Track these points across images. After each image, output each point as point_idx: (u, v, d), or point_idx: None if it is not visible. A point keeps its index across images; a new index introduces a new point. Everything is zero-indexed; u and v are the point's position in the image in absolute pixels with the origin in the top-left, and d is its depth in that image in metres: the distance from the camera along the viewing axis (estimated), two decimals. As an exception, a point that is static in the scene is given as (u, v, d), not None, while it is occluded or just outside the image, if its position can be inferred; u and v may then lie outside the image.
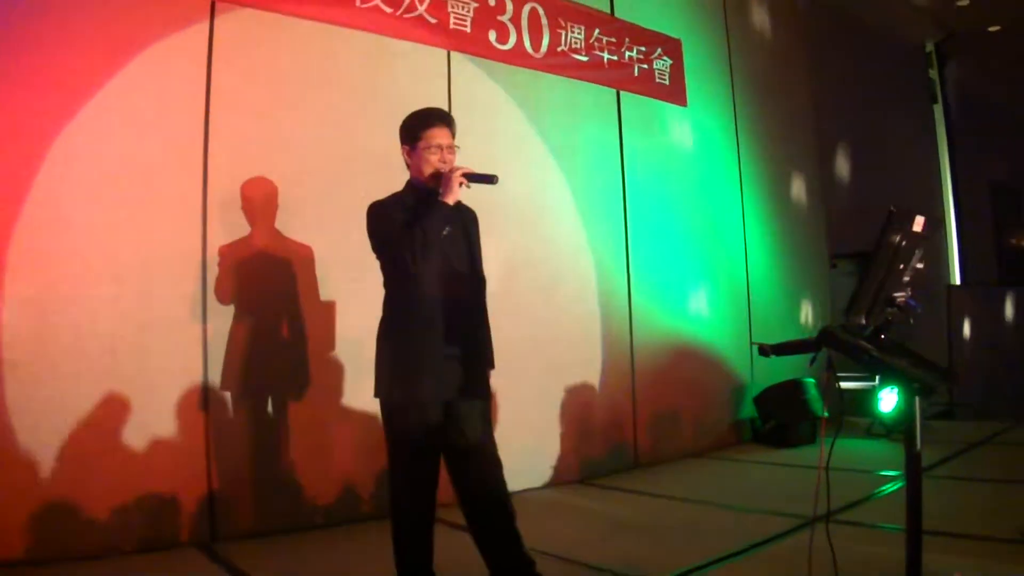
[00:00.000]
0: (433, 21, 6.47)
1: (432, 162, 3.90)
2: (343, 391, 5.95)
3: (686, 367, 8.48)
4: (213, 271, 5.41)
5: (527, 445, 6.62)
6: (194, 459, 5.29)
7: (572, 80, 7.56)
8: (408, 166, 4.06)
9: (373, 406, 5.95)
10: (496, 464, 4.03)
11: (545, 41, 7.26)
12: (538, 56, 7.21)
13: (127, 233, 5.14)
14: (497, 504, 3.98)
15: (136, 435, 5.09)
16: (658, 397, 8.12)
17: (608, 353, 7.64)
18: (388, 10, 6.22)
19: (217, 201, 5.45)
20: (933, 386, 2.79)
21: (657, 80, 8.42)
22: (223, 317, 5.45)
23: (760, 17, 10.25)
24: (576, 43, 7.54)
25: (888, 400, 8.71)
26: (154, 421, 5.16)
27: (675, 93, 8.63)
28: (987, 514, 5.10)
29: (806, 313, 10.28)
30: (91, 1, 5.12)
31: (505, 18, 6.96)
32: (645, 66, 8.27)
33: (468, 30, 6.69)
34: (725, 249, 9.25)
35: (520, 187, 6.81)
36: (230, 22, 5.58)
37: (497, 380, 4.38)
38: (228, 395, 5.46)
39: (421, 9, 6.39)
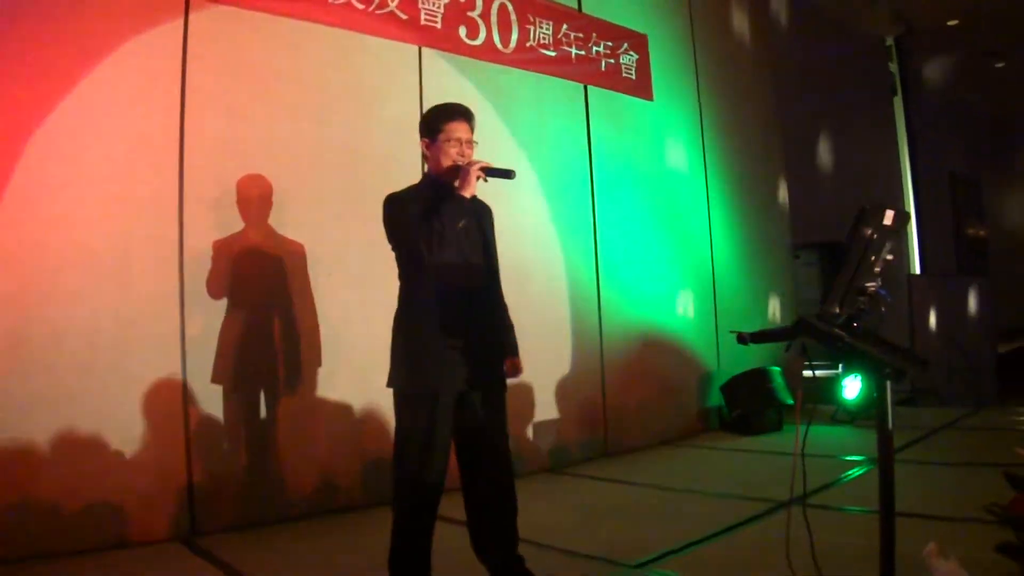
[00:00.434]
0: (404, 17, 6.56)
1: (451, 155, 3.93)
2: (322, 384, 6.01)
3: (654, 357, 8.61)
4: (190, 265, 5.44)
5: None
6: (174, 453, 5.31)
7: (541, 75, 7.66)
8: (427, 159, 4.09)
9: (351, 398, 6.09)
10: (507, 459, 4.09)
11: (514, 37, 7.37)
12: (507, 51, 7.32)
13: (104, 228, 5.16)
14: (505, 499, 4.04)
15: (115, 429, 5.10)
16: (627, 387, 8.24)
17: (577, 344, 7.76)
18: (360, 6, 6.30)
19: (193, 196, 5.48)
20: (905, 370, 2.92)
21: (624, 74, 8.55)
22: (201, 311, 5.48)
23: (724, 13, 10.41)
24: (544, 38, 7.65)
25: (851, 387, 8.89)
26: (133, 415, 5.17)
27: (641, 87, 8.77)
28: (952, 495, 5.25)
29: (770, 302, 10.44)
30: (66, -1, 5.14)
31: (475, 14, 7.06)
32: (612, 61, 8.40)
33: (439, 26, 6.78)
34: (691, 241, 9.39)
35: (490, 180, 6.88)
36: (204, 19, 5.62)
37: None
38: (207, 389, 5.48)
39: (392, 6, 6.47)
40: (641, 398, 8.42)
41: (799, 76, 12.92)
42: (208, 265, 5.54)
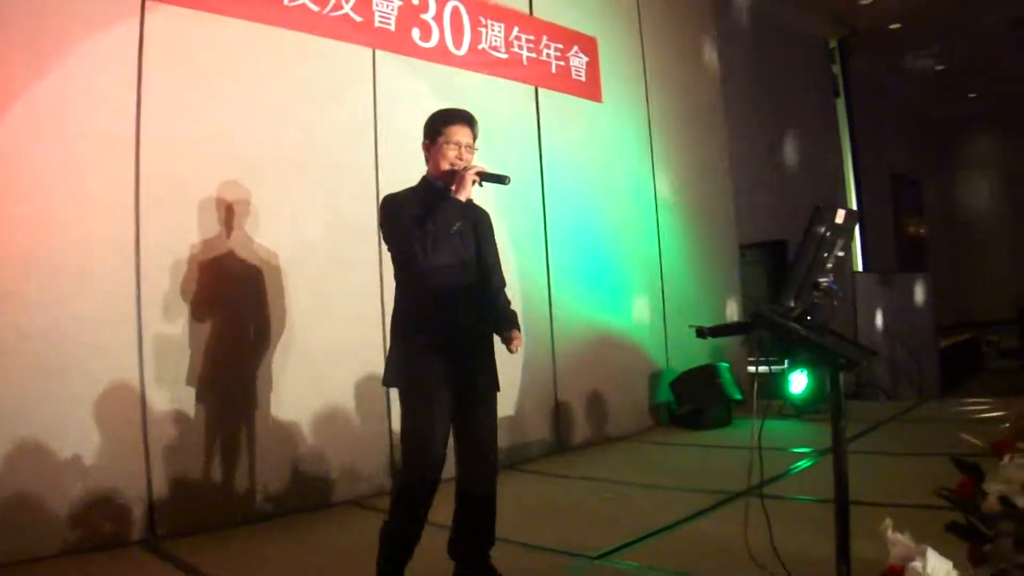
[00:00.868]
0: (358, 19, 6.61)
1: (450, 157, 3.99)
2: (280, 386, 6.01)
3: (605, 355, 8.71)
4: (147, 266, 5.42)
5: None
6: (133, 455, 5.29)
7: (492, 76, 7.74)
8: (427, 160, 4.12)
9: (310, 400, 6.11)
10: (495, 458, 4.15)
11: (466, 39, 7.44)
12: (460, 54, 7.39)
13: (61, 230, 5.12)
14: (489, 498, 4.10)
15: (74, 432, 5.07)
16: (578, 384, 8.34)
17: (529, 343, 7.77)
18: (315, 8, 6.34)
19: (149, 197, 5.46)
20: (857, 360, 3.05)
21: (574, 77, 8.65)
22: (158, 312, 5.47)
23: (672, 16, 10.50)
24: (496, 41, 7.74)
25: (798, 382, 9.04)
26: (92, 418, 5.14)
27: (591, 89, 8.88)
28: (900, 483, 5.38)
29: (717, 300, 10.57)
30: (20, -1, 5.12)
31: (428, 16, 7.12)
32: (562, 63, 8.50)
33: (392, 28, 6.84)
34: (640, 240, 9.51)
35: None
36: (160, 20, 5.60)
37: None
38: (165, 391, 5.47)
39: (347, 8, 6.52)
40: (592, 395, 8.52)
41: (745, 78, 13.10)
42: (165, 264, 5.53)
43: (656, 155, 9.82)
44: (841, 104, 17.69)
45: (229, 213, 5.85)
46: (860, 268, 17.13)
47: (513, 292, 7.57)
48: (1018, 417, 4.08)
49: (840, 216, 3.07)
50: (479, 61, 7.59)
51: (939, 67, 20.84)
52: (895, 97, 21.96)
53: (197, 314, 5.67)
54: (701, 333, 3.27)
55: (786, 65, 15.22)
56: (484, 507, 4.09)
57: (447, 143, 4.00)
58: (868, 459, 6.61)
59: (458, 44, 7.38)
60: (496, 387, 4.14)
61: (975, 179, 25.68)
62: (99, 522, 5.12)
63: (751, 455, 3.23)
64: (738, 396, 9.00)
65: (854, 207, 17.38)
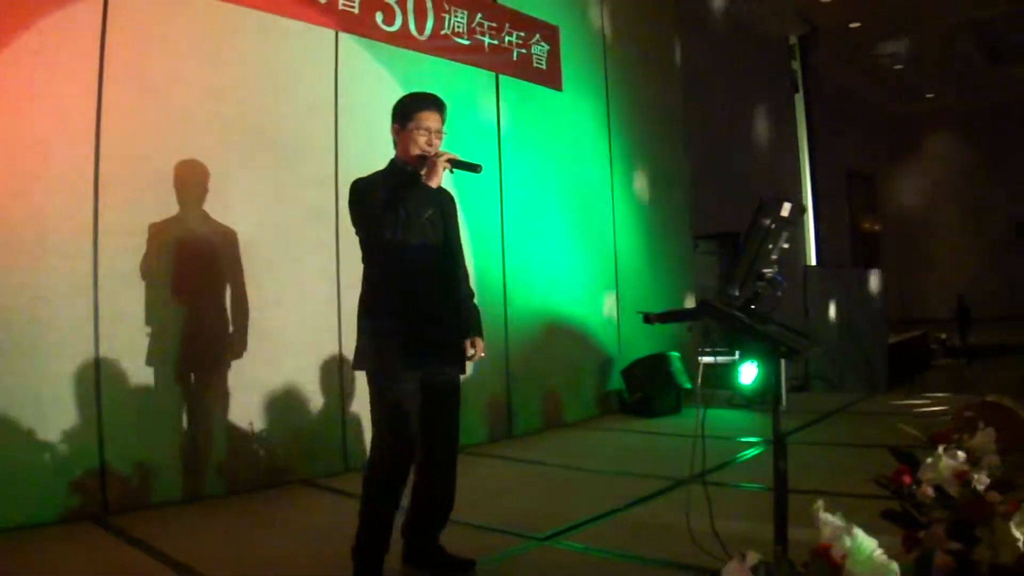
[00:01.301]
0: (322, 1, 6.62)
1: (420, 143, 3.99)
2: (236, 363, 6.03)
3: (557, 342, 8.79)
4: (105, 242, 5.40)
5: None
6: (87, 431, 5.28)
7: (454, 62, 7.76)
8: (395, 144, 4.13)
9: (266, 377, 6.14)
10: (451, 440, 4.25)
11: (429, 24, 7.46)
12: (422, 38, 7.41)
13: (20, 204, 5.10)
14: (449, 480, 4.20)
15: (28, 407, 5.05)
16: (530, 370, 8.41)
17: (483, 328, 7.85)
18: (279, -11, 6.34)
19: (109, 176, 5.44)
20: (797, 349, 3.14)
21: (535, 65, 8.71)
22: (115, 289, 5.45)
23: (635, 7, 10.58)
24: (459, 27, 7.77)
25: (747, 373, 9.18)
26: (46, 393, 5.14)
27: (551, 78, 8.94)
28: (839, 473, 5.50)
29: (671, 289, 10.66)
30: (-18, -28, 5.06)
31: (392, 1, 7.14)
32: (524, 51, 8.55)
33: (356, 11, 6.85)
34: (595, 229, 9.59)
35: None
36: (123, -3, 5.58)
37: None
38: (121, 367, 5.46)
39: (311, -11, 6.54)
40: (545, 382, 8.60)
41: (705, 71, 13.19)
42: (123, 243, 5.51)
43: (614, 145, 9.91)
44: (799, 100, 17.84)
45: (187, 192, 5.84)
46: (814, 262, 17.30)
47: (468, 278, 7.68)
48: (960, 411, 4.21)
49: (785, 209, 3.16)
50: (441, 46, 7.61)
51: (897, 66, 21.08)
52: (853, 94, 22.19)
53: (154, 292, 5.67)
54: (648, 319, 3.35)
55: (746, 60, 15.33)
56: (445, 493, 4.18)
57: (417, 128, 4.00)
58: (812, 449, 6.75)
59: (421, 29, 7.40)
60: (463, 370, 4.25)
61: (929, 177, 26.00)
62: (52, 497, 5.12)
63: (694, 443, 3.30)
64: (688, 385, 9.12)
65: (809, 202, 17.57)
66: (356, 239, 4.05)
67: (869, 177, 23.95)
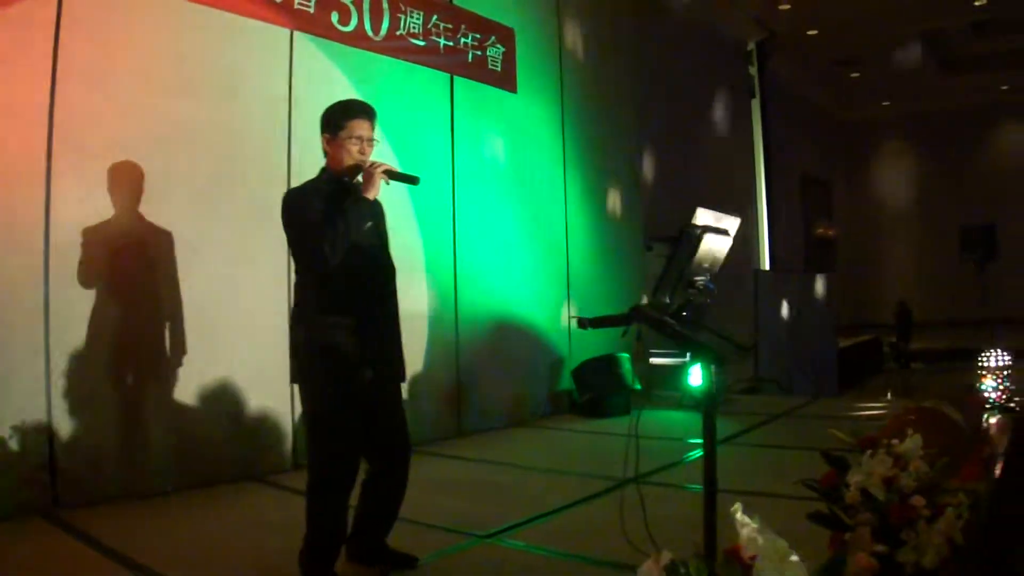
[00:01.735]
0: (278, 0, 6.63)
1: (352, 152, 3.96)
2: (187, 361, 6.02)
3: (508, 342, 8.86)
4: (56, 238, 5.38)
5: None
6: (36, 427, 5.26)
7: (409, 63, 7.79)
8: (326, 154, 4.08)
9: (217, 375, 6.14)
10: (408, 449, 4.25)
11: (385, 25, 7.49)
12: (377, 39, 7.44)
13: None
14: (400, 489, 4.20)
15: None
16: (481, 370, 8.47)
17: (434, 328, 7.94)
18: (234, -13, 6.34)
19: (62, 170, 5.42)
20: (725, 355, 3.22)
21: (490, 67, 8.76)
22: (66, 285, 5.44)
23: (591, 10, 10.65)
24: (414, 28, 7.80)
25: (696, 375, 9.26)
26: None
27: (506, 80, 9.00)
28: (776, 475, 5.57)
29: (622, 292, 10.71)
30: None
31: (348, 1, 7.17)
32: (479, 53, 8.60)
33: (311, 11, 6.86)
34: (548, 231, 9.65)
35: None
36: (79, -7, 5.56)
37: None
38: (71, 363, 5.44)
39: (267, -12, 6.54)
40: (495, 381, 8.65)
41: (661, 74, 13.28)
42: (75, 238, 5.49)
43: (568, 147, 9.98)
44: (756, 105, 17.99)
45: (139, 188, 5.82)
46: (767, 267, 17.45)
47: (420, 277, 7.72)
48: (896, 416, 4.30)
49: (716, 220, 3.25)
50: (396, 47, 7.64)
51: (854, 74, 21.32)
52: (809, 101, 22.41)
53: (104, 288, 5.65)
54: (583, 324, 3.43)
55: (703, 65, 15.45)
56: (394, 504, 4.20)
57: (349, 138, 3.97)
58: (755, 451, 6.86)
59: (376, 29, 7.43)
60: (403, 378, 4.25)
61: (883, 184, 26.32)
62: (1, 492, 5.09)
63: (627, 445, 3.37)
64: (638, 386, 9.21)
65: (763, 206, 17.72)
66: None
67: (824, 183, 24.20)
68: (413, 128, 7.79)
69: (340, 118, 4.03)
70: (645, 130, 12.04)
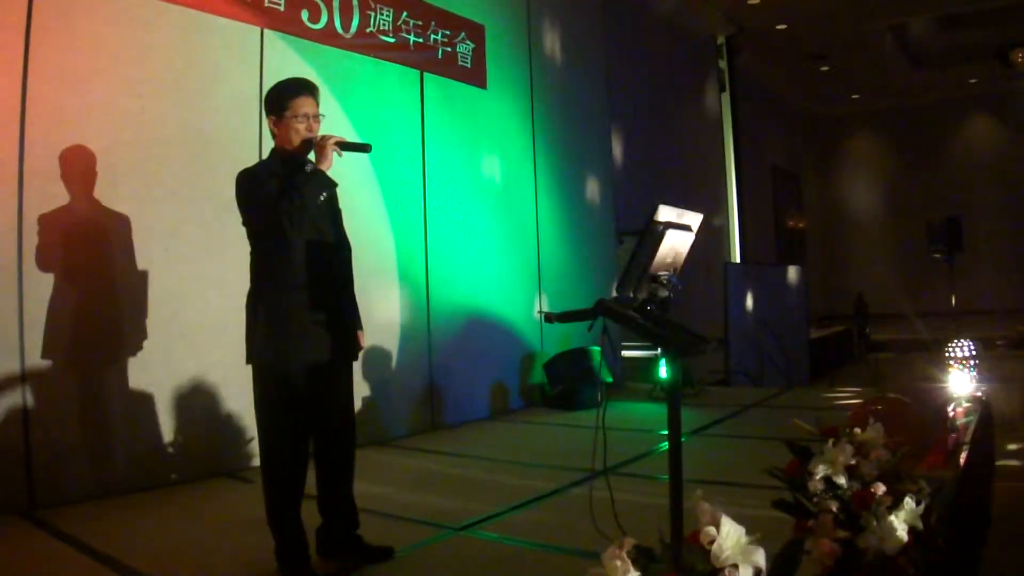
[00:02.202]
0: (248, -1, 6.64)
1: (300, 131, 3.96)
2: (159, 357, 6.02)
3: (480, 335, 8.92)
4: (30, 239, 5.39)
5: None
6: (12, 425, 5.26)
7: (379, 60, 7.83)
8: (274, 136, 4.09)
9: (189, 370, 6.16)
10: (351, 425, 4.23)
11: (355, 22, 7.52)
12: (348, 36, 7.47)
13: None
14: (347, 466, 4.18)
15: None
16: (453, 363, 8.52)
17: (406, 322, 7.99)
18: (205, -16, 6.35)
19: (34, 169, 5.42)
20: (687, 349, 3.29)
21: (460, 63, 8.81)
22: (40, 284, 5.44)
23: (560, 7, 10.72)
24: (384, 25, 7.84)
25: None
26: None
27: (476, 76, 9.05)
28: (744, 465, 5.65)
29: (594, 286, 10.80)
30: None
31: (318, -3, 7.20)
32: (449, 49, 8.65)
33: (282, 8, 6.89)
34: (519, 225, 9.73)
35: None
36: (49, -11, 5.55)
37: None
38: (44, 363, 5.44)
39: (236, -15, 6.55)
40: (467, 375, 8.71)
41: (631, 68, 13.35)
42: (47, 236, 5.48)
43: (538, 142, 10.04)
44: (726, 99, 18.07)
45: (110, 186, 5.82)
46: (738, 259, 17.56)
47: (391, 271, 7.75)
48: (860, 406, 4.39)
49: (680, 215, 3.31)
50: (367, 44, 7.68)
51: (823, 68, 21.45)
52: (779, 94, 22.53)
53: (78, 286, 5.66)
54: (549, 318, 3.50)
55: (673, 58, 15.53)
56: (343, 473, 4.18)
57: (295, 116, 3.97)
58: (724, 442, 6.96)
59: (347, 26, 7.46)
60: (356, 358, 4.24)
61: (852, 177, 26.51)
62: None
63: (595, 437, 3.43)
64: (609, 379, 9.28)
65: (734, 199, 17.83)
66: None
67: (794, 175, 24.34)
68: (384, 123, 7.82)
69: (283, 98, 4.02)
70: (616, 124, 12.10)
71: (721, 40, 17.88)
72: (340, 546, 4.17)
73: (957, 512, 3.86)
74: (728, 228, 17.60)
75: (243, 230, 4.17)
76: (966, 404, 6.48)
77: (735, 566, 2.00)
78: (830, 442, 3.10)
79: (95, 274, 5.82)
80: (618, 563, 1.96)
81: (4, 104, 5.35)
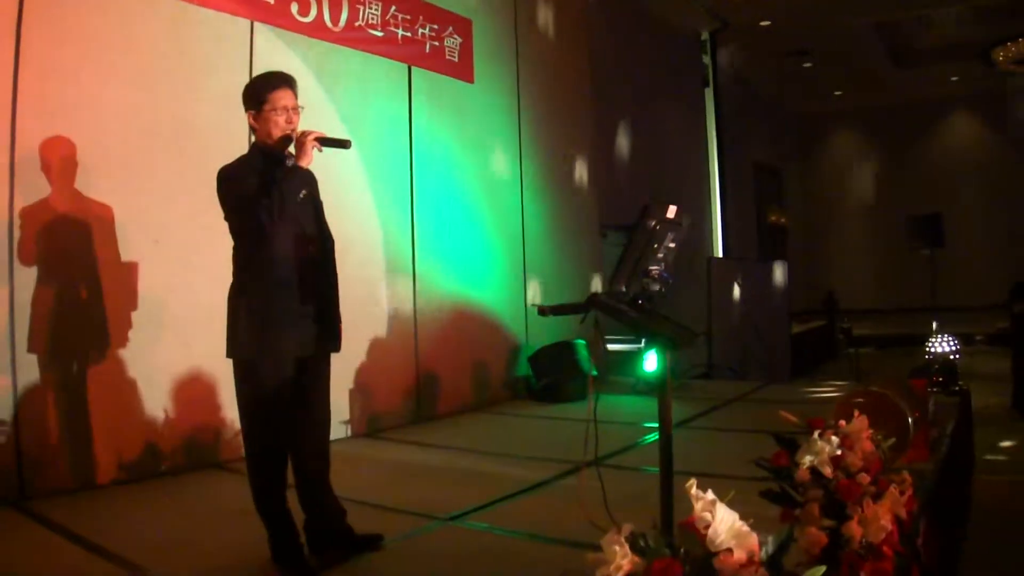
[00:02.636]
0: (237, -10, 6.64)
1: (280, 124, 3.93)
2: (147, 351, 6.04)
3: (466, 328, 8.97)
4: (20, 230, 5.40)
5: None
6: (3, 415, 5.26)
7: (367, 54, 7.85)
8: (254, 130, 4.05)
9: (176, 364, 6.16)
10: (328, 418, 4.25)
11: (344, 16, 7.54)
12: (336, 30, 7.49)
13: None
14: (323, 456, 4.18)
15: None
16: (439, 356, 8.56)
17: (393, 315, 8.03)
18: (195, -22, 6.35)
19: (24, 162, 5.42)
20: (677, 342, 3.34)
21: (447, 57, 8.84)
22: (29, 279, 5.45)
23: (546, 2, 10.76)
24: (373, 19, 7.86)
25: (652, 361, 9.40)
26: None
27: (463, 70, 9.09)
28: (730, 457, 5.71)
29: (579, 279, 10.89)
30: None
31: (306, -9, 7.21)
32: (436, 43, 8.68)
33: (271, 1, 6.90)
34: (505, 219, 9.77)
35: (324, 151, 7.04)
36: (40, -20, 5.54)
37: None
38: (35, 356, 5.44)
39: (226, -21, 6.55)
40: (453, 367, 8.76)
41: (616, 62, 13.38)
42: (38, 229, 5.50)
43: (524, 137, 10.08)
44: (709, 94, 18.11)
45: (100, 179, 5.84)
46: (720, 254, 17.61)
47: (378, 264, 7.78)
48: (845, 399, 4.45)
49: (671, 212, 3.37)
50: (355, 38, 7.69)
51: (806, 64, 21.51)
52: (762, 90, 22.58)
53: (69, 279, 5.68)
54: (542, 311, 3.54)
55: (658, 54, 15.56)
56: (323, 469, 4.19)
57: (273, 110, 3.94)
58: (708, 434, 7.03)
59: (335, 20, 7.48)
60: (338, 350, 4.23)
61: (834, 173, 26.63)
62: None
63: (587, 429, 3.47)
64: (594, 372, 9.33)
65: (717, 194, 17.88)
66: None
67: (776, 171, 24.41)
68: (372, 117, 7.86)
69: (261, 92, 4.00)
70: (600, 118, 12.14)
71: (705, 36, 17.90)
72: (328, 539, 4.18)
73: (938, 503, 3.94)
74: (711, 223, 17.66)
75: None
76: (947, 398, 6.56)
77: (730, 550, 2.05)
78: (816, 433, 3.15)
79: (86, 268, 5.81)
80: (617, 547, 2.01)
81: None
